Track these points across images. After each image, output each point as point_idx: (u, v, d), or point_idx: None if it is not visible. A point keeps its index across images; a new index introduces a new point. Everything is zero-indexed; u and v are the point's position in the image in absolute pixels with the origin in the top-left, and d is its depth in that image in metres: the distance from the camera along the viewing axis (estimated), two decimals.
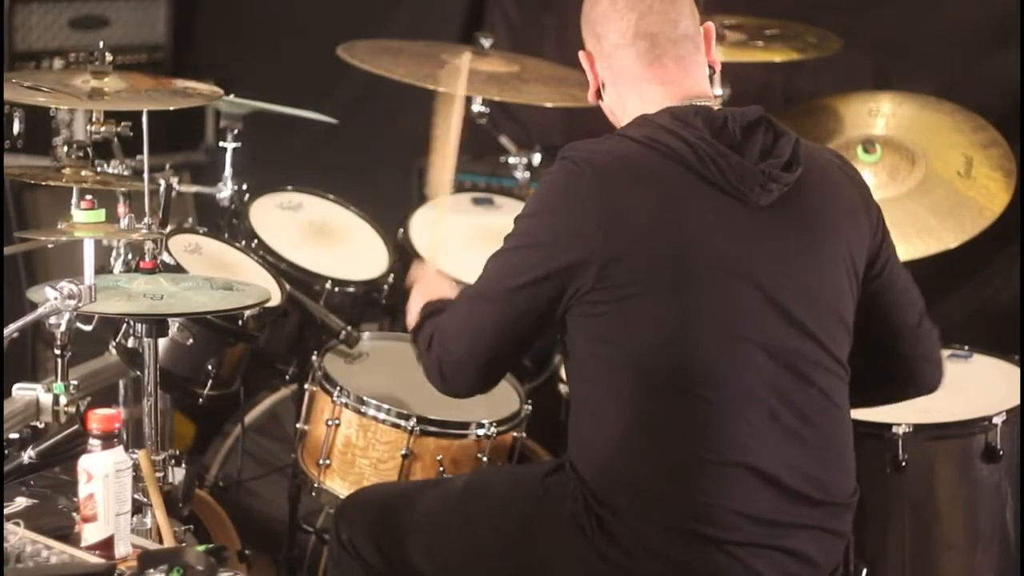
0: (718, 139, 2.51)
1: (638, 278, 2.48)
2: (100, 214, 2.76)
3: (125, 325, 3.17)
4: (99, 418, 2.40)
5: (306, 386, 3.38)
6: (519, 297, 2.53)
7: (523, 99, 4.09)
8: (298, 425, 3.39)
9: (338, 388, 3.26)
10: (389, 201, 4.31)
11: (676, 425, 2.50)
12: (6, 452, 2.62)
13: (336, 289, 3.66)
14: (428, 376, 2.67)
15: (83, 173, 3.09)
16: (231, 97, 3.60)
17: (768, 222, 2.53)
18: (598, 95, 2.69)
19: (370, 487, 3.04)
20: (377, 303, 3.77)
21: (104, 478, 2.38)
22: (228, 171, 3.70)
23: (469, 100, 3.83)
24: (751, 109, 2.58)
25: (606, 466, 2.54)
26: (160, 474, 2.86)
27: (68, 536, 2.42)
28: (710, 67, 2.66)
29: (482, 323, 2.58)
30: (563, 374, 3.54)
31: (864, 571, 3.09)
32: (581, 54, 2.67)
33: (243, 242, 3.66)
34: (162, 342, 3.03)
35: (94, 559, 2.31)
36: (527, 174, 4.25)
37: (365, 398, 3.24)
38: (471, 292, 2.62)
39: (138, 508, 2.74)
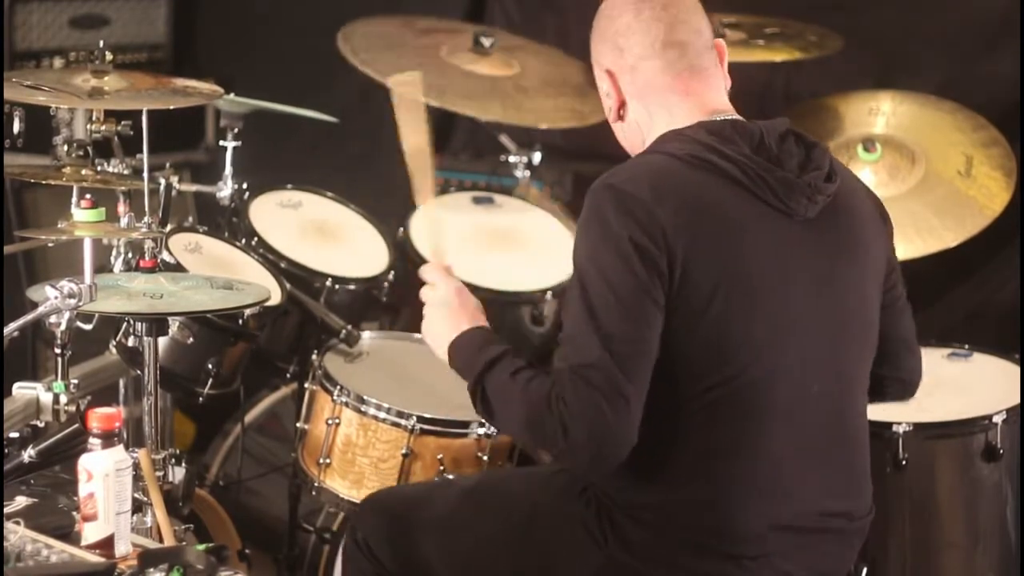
0: (758, 154, 2.48)
1: (691, 296, 2.41)
2: (100, 213, 2.76)
3: (125, 324, 3.16)
4: (99, 417, 2.40)
5: (306, 385, 3.38)
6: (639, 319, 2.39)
7: (524, 119, 4.06)
8: (298, 424, 3.39)
9: (338, 387, 3.26)
10: (389, 200, 4.30)
11: (705, 438, 2.46)
12: (6, 451, 2.61)
13: (336, 287, 3.66)
14: (575, 452, 2.39)
15: (83, 172, 3.10)
16: (231, 96, 3.59)
17: (812, 236, 2.50)
18: (618, 113, 2.59)
19: (388, 489, 3.03)
20: (377, 301, 3.77)
21: (104, 477, 2.38)
22: (228, 170, 3.69)
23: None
24: (778, 121, 2.54)
25: (628, 473, 2.47)
26: (160, 473, 2.86)
27: (68, 535, 2.42)
28: None
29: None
30: None
31: (864, 570, 3.09)
32: (600, 73, 2.59)
33: (243, 241, 3.65)
34: (162, 341, 3.03)
35: (94, 558, 2.31)
36: (527, 173, 4.26)
37: (365, 397, 3.24)
38: (574, 359, 2.38)
39: (138, 507, 2.74)
